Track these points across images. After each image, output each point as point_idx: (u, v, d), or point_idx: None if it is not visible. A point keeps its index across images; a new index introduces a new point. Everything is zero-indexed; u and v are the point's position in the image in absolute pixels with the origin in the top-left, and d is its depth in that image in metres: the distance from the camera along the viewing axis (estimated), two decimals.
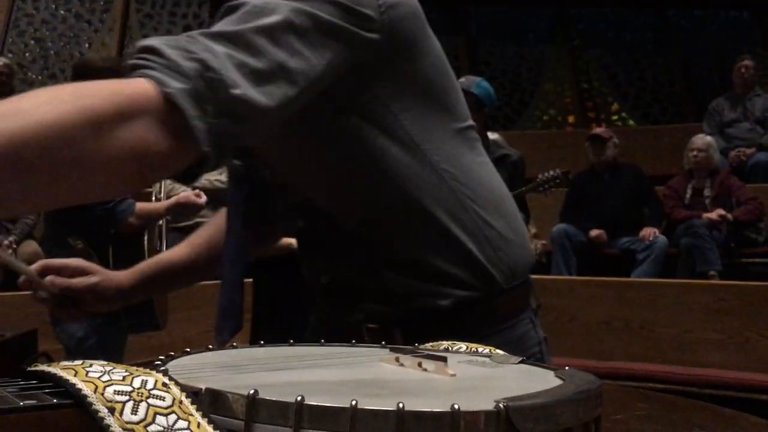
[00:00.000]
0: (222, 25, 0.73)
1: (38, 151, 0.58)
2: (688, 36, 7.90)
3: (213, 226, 1.21)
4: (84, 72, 2.45)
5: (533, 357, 1.00)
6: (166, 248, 2.79)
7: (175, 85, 0.65)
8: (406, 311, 0.95)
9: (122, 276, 1.16)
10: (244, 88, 0.69)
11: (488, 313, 0.98)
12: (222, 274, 1.09)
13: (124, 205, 2.29)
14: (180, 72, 0.65)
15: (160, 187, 4.35)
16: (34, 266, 1.09)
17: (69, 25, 7.33)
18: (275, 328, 2.65)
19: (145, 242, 2.48)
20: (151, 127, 0.64)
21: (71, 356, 2.28)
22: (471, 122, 1.01)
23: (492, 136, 4.89)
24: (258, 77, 0.70)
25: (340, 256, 0.97)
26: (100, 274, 1.13)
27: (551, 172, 2.75)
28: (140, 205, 2.38)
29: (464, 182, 0.95)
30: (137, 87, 0.64)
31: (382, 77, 0.87)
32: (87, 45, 7.28)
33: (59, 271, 1.08)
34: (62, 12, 7.35)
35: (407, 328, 0.95)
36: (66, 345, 2.38)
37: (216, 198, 4.42)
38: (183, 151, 0.67)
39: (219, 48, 0.69)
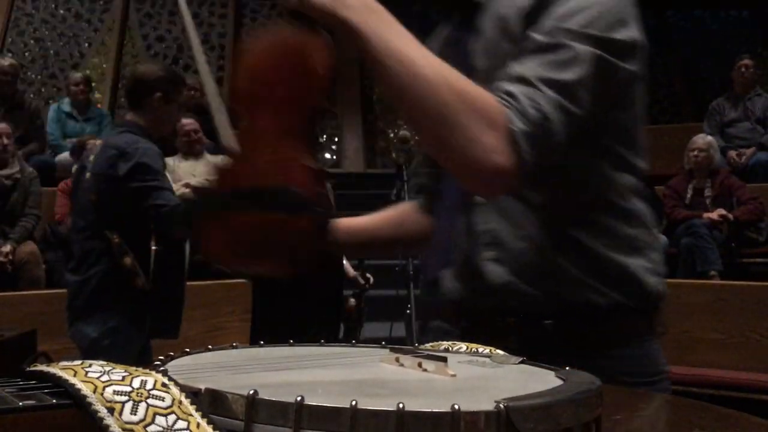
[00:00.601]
0: (550, 70, 0.90)
1: (426, 85, 0.83)
2: (688, 36, 7.90)
3: (403, 211, 1.27)
4: (139, 85, 2.43)
5: (663, 376, 1.09)
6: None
7: (519, 125, 0.86)
8: (562, 303, 1.00)
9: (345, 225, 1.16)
10: (561, 135, 0.89)
11: (632, 324, 1.03)
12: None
13: (177, 210, 2.26)
14: (526, 117, 0.86)
15: None
16: None
17: (68, 24, 7.32)
18: (275, 328, 2.65)
19: (187, 245, 2.46)
20: (498, 142, 0.85)
21: (85, 357, 2.28)
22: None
23: None
24: (571, 121, 0.89)
25: (522, 228, 1.01)
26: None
27: None
28: None
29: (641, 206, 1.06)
30: (494, 109, 0.87)
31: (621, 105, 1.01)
32: (87, 45, 7.28)
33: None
34: (62, 12, 7.34)
35: (558, 322, 1.00)
36: (79, 345, 2.35)
37: None
38: (507, 172, 0.86)
39: (552, 95, 0.88)
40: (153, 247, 2.33)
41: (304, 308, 2.71)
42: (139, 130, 2.39)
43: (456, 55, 1.04)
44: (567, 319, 1.00)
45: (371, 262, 4.26)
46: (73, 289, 2.39)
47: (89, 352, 2.28)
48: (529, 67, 0.90)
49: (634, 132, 1.03)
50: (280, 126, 0.82)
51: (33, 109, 5.45)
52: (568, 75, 0.89)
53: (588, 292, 0.99)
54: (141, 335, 2.40)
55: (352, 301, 3.14)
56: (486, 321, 1.05)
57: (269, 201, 0.77)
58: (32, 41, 7.23)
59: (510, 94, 0.88)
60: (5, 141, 4.24)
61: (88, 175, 2.38)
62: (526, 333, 1.00)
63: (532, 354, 0.87)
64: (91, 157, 2.42)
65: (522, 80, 0.89)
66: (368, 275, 2.97)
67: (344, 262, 3.05)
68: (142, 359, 2.41)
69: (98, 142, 4.65)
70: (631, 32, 0.97)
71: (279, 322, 2.70)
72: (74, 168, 4.80)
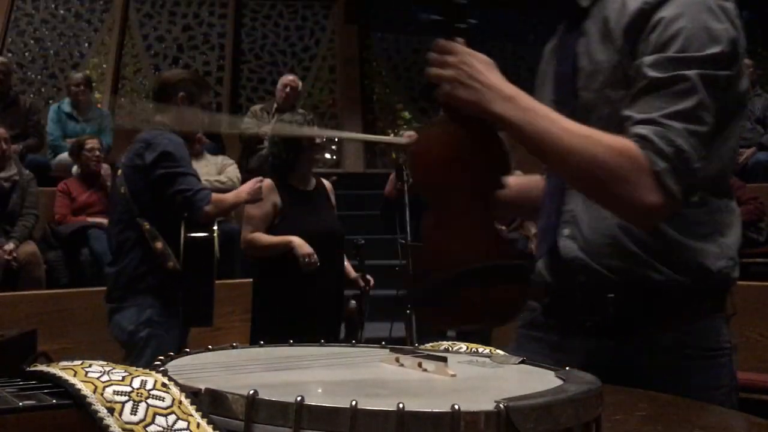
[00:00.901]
0: (670, 103, 1.00)
1: (578, 154, 0.99)
2: None
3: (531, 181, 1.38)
4: (164, 87, 2.56)
5: (725, 352, 1.11)
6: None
7: (661, 165, 0.97)
8: (624, 279, 1.09)
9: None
10: (697, 158, 1.00)
11: (695, 303, 1.11)
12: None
13: (201, 194, 2.35)
14: (664, 155, 0.97)
15: None
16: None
17: (68, 24, 7.32)
18: (275, 328, 2.65)
19: (216, 241, 2.50)
20: (647, 186, 0.97)
21: (125, 349, 2.30)
22: None
23: None
24: (703, 141, 1.00)
25: (598, 210, 1.10)
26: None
27: None
28: (216, 196, 2.44)
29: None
30: (637, 155, 0.98)
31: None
32: (87, 45, 7.28)
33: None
34: (62, 12, 7.34)
35: (619, 297, 1.09)
36: (118, 338, 2.39)
37: None
38: (659, 208, 0.99)
39: (679, 126, 0.99)
40: (184, 235, 2.39)
41: (304, 309, 2.71)
42: (165, 127, 2.50)
43: (565, 56, 1.21)
44: (629, 294, 1.09)
45: (371, 263, 4.26)
46: (110, 280, 2.47)
47: (129, 345, 2.33)
48: (651, 107, 1.01)
49: (726, 121, 1.09)
50: (469, 209, 0.95)
51: (29, 106, 5.45)
52: (687, 103, 1.00)
53: (650, 270, 1.08)
54: (176, 323, 2.44)
55: (353, 302, 3.13)
56: (562, 296, 1.17)
57: (489, 277, 0.90)
58: (32, 41, 7.23)
59: (643, 137, 0.99)
60: (3, 146, 4.24)
61: (119, 172, 2.49)
62: (593, 306, 1.11)
63: (597, 326, 1.09)
64: (123, 157, 2.55)
65: (649, 122, 1.00)
66: (368, 277, 2.97)
67: (345, 263, 3.05)
68: (171, 346, 2.44)
69: (94, 141, 4.67)
70: (722, 43, 1.03)
71: (280, 323, 2.70)
72: (74, 168, 4.80)
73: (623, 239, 1.09)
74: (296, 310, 2.70)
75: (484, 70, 1.04)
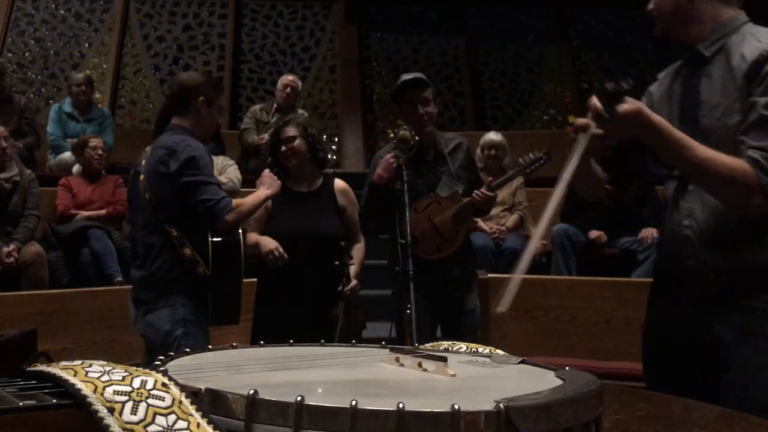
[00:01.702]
0: None
1: (712, 171, 1.42)
2: None
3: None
4: (184, 91, 2.58)
5: None
6: None
7: (766, 180, 1.39)
8: (725, 261, 1.49)
9: None
10: None
11: None
12: None
13: (222, 203, 2.37)
14: (765, 171, 1.40)
15: None
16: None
17: (69, 24, 7.32)
18: (276, 328, 2.64)
19: (241, 237, 2.51)
20: (751, 192, 1.40)
21: (159, 348, 2.30)
22: None
23: (496, 136, 4.90)
24: None
25: (714, 209, 1.51)
26: None
27: (532, 155, 2.81)
28: (236, 202, 2.44)
29: None
30: (750, 172, 1.40)
31: None
32: (87, 45, 7.27)
33: None
34: (62, 12, 7.34)
35: (719, 275, 1.49)
36: (152, 338, 2.41)
37: None
38: (762, 207, 1.41)
39: None
40: (210, 239, 2.42)
41: (296, 311, 2.70)
42: (184, 131, 2.52)
43: (689, 91, 1.60)
44: (726, 272, 1.48)
45: (370, 262, 4.26)
46: (139, 283, 2.49)
47: (163, 344, 2.34)
48: (762, 137, 1.42)
49: None
50: None
51: (23, 105, 5.44)
52: None
53: (744, 254, 1.48)
54: (206, 323, 2.47)
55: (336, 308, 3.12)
56: (679, 273, 1.57)
57: None
58: (32, 41, 7.23)
59: (755, 160, 1.41)
60: (3, 144, 4.24)
61: (142, 177, 2.51)
62: (699, 281, 1.52)
63: (701, 296, 1.51)
64: (143, 162, 2.57)
65: (759, 149, 1.41)
66: (353, 282, 2.89)
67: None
68: (200, 346, 2.46)
69: (98, 140, 4.67)
70: None
71: (273, 324, 2.68)
72: (75, 168, 4.79)
73: (727, 232, 1.49)
74: (287, 312, 2.70)
75: (644, 115, 1.47)
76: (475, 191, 2.63)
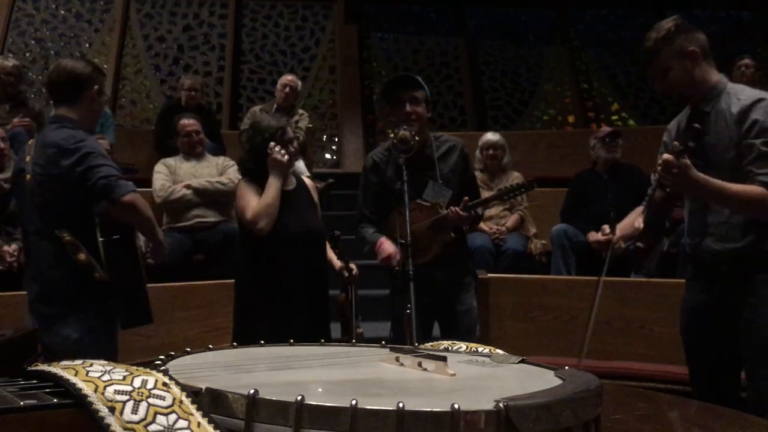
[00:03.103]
0: None
1: (744, 200, 1.99)
2: None
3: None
4: (75, 80, 2.41)
5: None
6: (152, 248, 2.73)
7: None
8: (743, 256, 2.05)
9: None
10: None
11: None
12: None
13: (123, 183, 2.25)
14: None
15: (163, 186, 4.35)
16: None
17: (69, 25, 7.32)
18: (260, 328, 2.59)
19: (139, 241, 2.44)
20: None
21: (67, 358, 2.23)
22: None
23: (494, 136, 4.90)
24: None
25: (729, 218, 2.08)
26: None
27: (516, 183, 2.82)
28: (142, 200, 2.35)
29: None
30: (766, 192, 1.97)
31: None
32: (87, 45, 7.28)
33: None
34: (62, 12, 7.34)
35: (737, 264, 2.06)
36: (60, 349, 2.28)
37: (215, 198, 4.43)
38: None
39: None
40: (100, 239, 2.30)
41: (290, 308, 2.65)
42: (73, 124, 2.37)
43: (695, 133, 2.09)
44: (742, 262, 2.05)
45: (370, 262, 4.26)
46: (39, 298, 2.36)
47: (72, 352, 2.24)
48: (765, 166, 1.97)
49: None
50: None
51: (38, 108, 5.45)
52: None
53: (753, 251, 2.03)
54: (114, 328, 2.39)
55: (341, 293, 3.12)
56: (704, 266, 2.15)
57: None
58: (33, 41, 7.23)
59: (766, 184, 1.96)
60: (2, 145, 4.24)
61: (28, 177, 2.35)
62: (720, 269, 2.09)
63: (724, 277, 2.08)
64: (28, 158, 2.38)
65: (766, 174, 1.96)
66: (351, 266, 2.92)
67: (330, 254, 3.03)
68: (113, 353, 2.41)
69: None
70: None
71: (265, 323, 2.63)
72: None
73: (740, 239, 2.05)
74: (281, 310, 2.66)
75: (693, 174, 1.95)
76: (451, 207, 2.60)
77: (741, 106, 2.03)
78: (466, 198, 2.61)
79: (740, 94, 2.09)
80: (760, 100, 2.02)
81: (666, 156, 1.95)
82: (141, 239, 2.56)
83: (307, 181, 3.01)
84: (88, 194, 2.28)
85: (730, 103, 2.08)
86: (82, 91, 2.39)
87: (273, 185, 2.65)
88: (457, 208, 2.58)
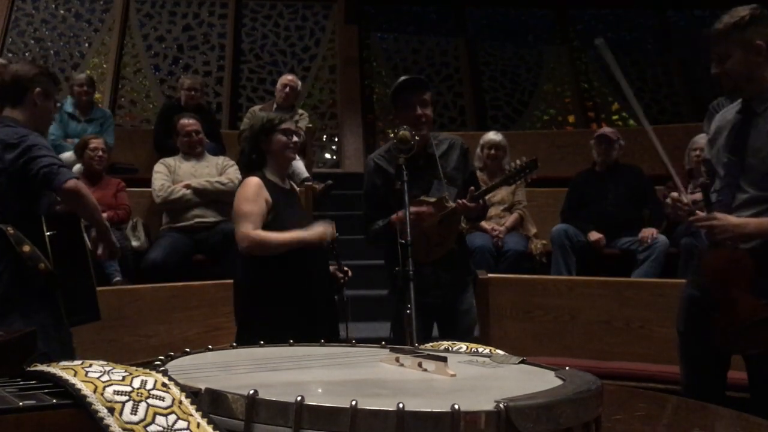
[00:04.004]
0: None
1: None
2: (688, 36, 7.90)
3: None
4: (18, 82, 2.43)
5: None
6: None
7: None
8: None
9: None
10: None
11: None
12: None
13: (65, 171, 2.26)
14: None
15: (162, 186, 4.35)
16: None
17: (69, 25, 7.32)
18: (267, 329, 2.58)
19: (84, 234, 2.41)
20: None
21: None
22: None
23: (496, 136, 4.89)
24: None
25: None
26: None
27: (518, 162, 2.75)
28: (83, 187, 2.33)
29: None
30: None
31: None
32: (87, 45, 7.27)
33: None
34: (62, 12, 7.34)
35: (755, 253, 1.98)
36: None
37: (215, 198, 4.43)
38: None
39: None
40: (47, 233, 2.30)
41: (300, 309, 2.64)
42: (17, 124, 2.39)
43: (738, 134, 2.08)
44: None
45: (370, 262, 4.25)
46: None
47: None
48: None
49: None
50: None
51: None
52: None
53: None
54: (63, 325, 2.36)
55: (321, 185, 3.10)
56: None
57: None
58: (32, 41, 7.23)
59: None
60: None
61: None
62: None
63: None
64: None
65: None
66: (346, 268, 2.90)
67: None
68: (65, 351, 2.37)
69: (98, 141, 4.66)
70: None
71: (271, 324, 2.61)
72: (76, 167, 4.79)
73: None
74: (291, 311, 2.64)
75: (732, 221, 2.00)
76: (458, 200, 2.60)
77: None
78: (473, 188, 2.62)
79: None
80: None
81: (706, 223, 2.02)
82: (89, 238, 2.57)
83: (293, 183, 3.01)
84: (31, 185, 2.29)
85: None
86: (26, 92, 2.42)
87: (297, 237, 2.55)
88: (464, 200, 2.59)
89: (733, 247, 2.03)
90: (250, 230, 2.56)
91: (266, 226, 2.61)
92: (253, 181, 2.65)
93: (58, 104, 2.57)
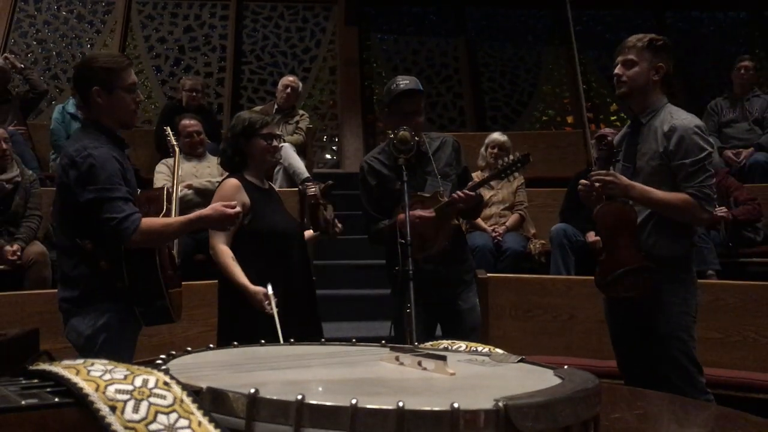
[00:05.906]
0: (700, 176, 2.39)
1: (672, 205, 2.41)
2: (686, 37, 7.90)
3: None
4: (78, 80, 2.37)
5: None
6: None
7: (705, 206, 2.37)
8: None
9: None
10: (714, 199, 2.51)
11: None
12: None
13: (127, 223, 2.20)
14: (707, 199, 2.37)
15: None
16: None
17: (71, 26, 7.32)
18: (246, 328, 2.56)
19: (156, 252, 2.43)
20: (700, 213, 2.38)
21: (81, 355, 2.25)
22: None
23: (501, 137, 4.90)
24: (713, 191, 2.48)
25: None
26: None
27: (511, 157, 2.78)
28: (149, 221, 2.27)
29: None
30: (694, 202, 2.34)
31: None
32: (89, 46, 7.27)
33: None
34: (64, 13, 7.34)
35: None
36: (74, 343, 2.32)
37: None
38: (708, 220, 2.67)
39: (710, 182, 2.40)
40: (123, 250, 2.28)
41: (278, 307, 2.62)
42: (94, 128, 2.31)
43: (629, 144, 2.53)
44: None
45: (369, 262, 4.25)
46: (63, 290, 2.38)
47: (84, 349, 2.27)
48: (693, 182, 2.34)
49: None
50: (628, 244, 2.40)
51: (22, 95, 5.55)
52: (708, 172, 2.37)
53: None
54: (131, 327, 2.38)
55: (312, 189, 3.16)
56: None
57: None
58: (35, 42, 7.23)
59: (694, 194, 2.33)
60: (4, 145, 4.24)
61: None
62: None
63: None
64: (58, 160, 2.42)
65: (693, 187, 2.34)
66: (338, 223, 2.94)
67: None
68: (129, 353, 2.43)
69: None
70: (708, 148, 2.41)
71: (251, 322, 2.59)
72: None
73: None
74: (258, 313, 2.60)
75: (624, 181, 2.39)
76: (456, 192, 2.61)
77: (671, 124, 2.37)
78: (470, 184, 2.65)
79: (676, 115, 2.42)
80: (691, 125, 2.36)
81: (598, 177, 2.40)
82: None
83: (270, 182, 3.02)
84: (99, 223, 2.25)
85: (665, 119, 2.41)
86: (86, 93, 2.33)
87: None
88: (463, 191, 2.59)
89: (623, 201, 2.42)
90: (218, 243, 2.60)
91: (244, 227, 2.60)
92: (231, 182, 2.65)
93: (134, 90, 2.36)
